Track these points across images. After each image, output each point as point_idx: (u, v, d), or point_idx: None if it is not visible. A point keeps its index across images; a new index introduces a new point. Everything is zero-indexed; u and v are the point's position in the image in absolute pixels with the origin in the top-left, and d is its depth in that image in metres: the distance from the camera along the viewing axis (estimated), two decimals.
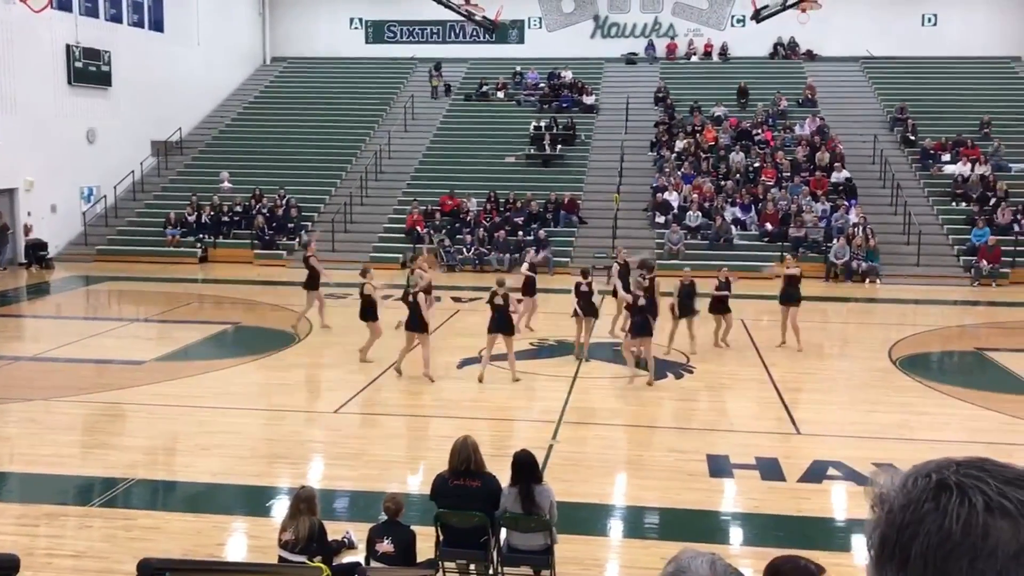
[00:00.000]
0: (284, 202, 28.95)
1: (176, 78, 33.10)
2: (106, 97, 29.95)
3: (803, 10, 28.83)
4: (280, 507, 8.67)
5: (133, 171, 31.22)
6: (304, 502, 6.97)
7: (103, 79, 29.63)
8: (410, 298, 14.34)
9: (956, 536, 1.00)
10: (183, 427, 11.72)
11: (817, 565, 4.07)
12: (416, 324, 14.09)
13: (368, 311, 15.22)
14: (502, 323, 13.94)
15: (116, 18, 30.60)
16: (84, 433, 11.81)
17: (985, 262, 24.69)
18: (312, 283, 17.83)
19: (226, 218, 28.75)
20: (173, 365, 15.12)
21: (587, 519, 8.81)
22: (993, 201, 27.31)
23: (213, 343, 17.31)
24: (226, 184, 30.47)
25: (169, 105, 32.65)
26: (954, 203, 28.05)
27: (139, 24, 31.77)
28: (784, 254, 25.86)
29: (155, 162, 32.58)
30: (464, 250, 26.73)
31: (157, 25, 32.64)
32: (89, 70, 28.99)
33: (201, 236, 28.36)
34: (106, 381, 14.05)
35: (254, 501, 9.39)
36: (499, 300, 13.91)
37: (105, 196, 30.11)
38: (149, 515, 8.91)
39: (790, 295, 16.33)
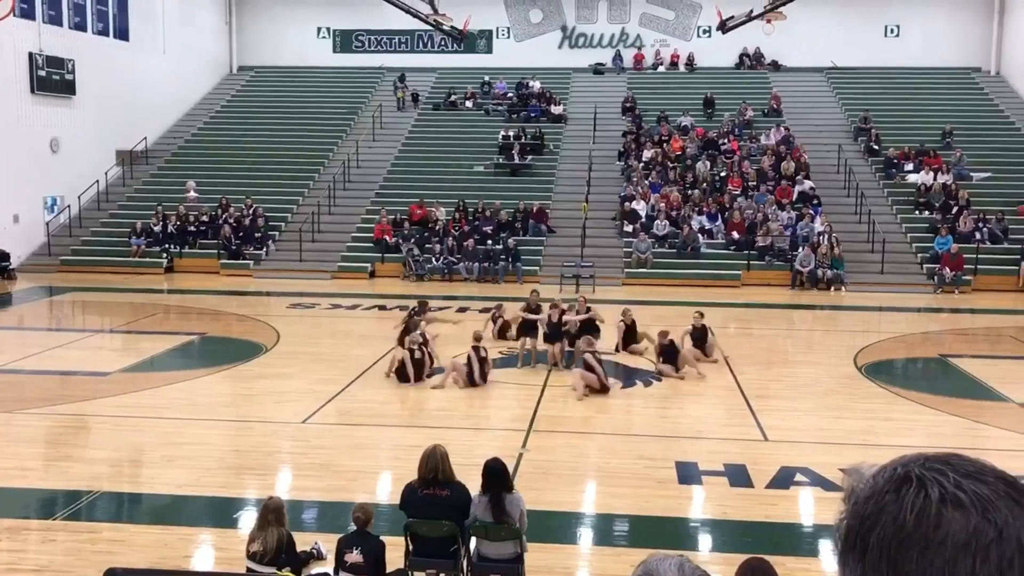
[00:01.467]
0: (251, 212, 28.77)
1: (141, 87, 32.82)
2: (70, 106, 29.64)
3: (768, 21, 29.14)
4: (248, 518, 8.59)
5: (98, 181, 30.89)
6: (272, 513, 6.92)
7: (67, 88, 29.32)
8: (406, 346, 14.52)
9: (909, 526, 1.02)
10: (149, 439, 11.58)
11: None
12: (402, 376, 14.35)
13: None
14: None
15: (80, 26, 30.31)
16: (47, 445, 11.65)
17: (948, 270, 25.03)
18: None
19: (192, 228, 28.53)
20: (138, 376, 14.95)
21: (557, 527, 8.81)
22: (955, 210, 27.70)
23: (179, 354, 17.15)
24: (192, 194, 30.24)
25: (134, 114, 32.37)
26: (917, 212, 28.44)
27: (104, 32, 31.49)
28: (750, 263, 26.21)
29: (120, 172, 32.26)
30: (433, 259, 26.70)
31: (122, 33, 32.37)
32: (52, 79, 28.68)
33: (167, 246, 28.10)
34: (70, 393, 13.87)
35: (221, 513, 9.30)
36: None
37: (69, 206, 29.77)
38: (114, 528, 8.80)
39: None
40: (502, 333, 17.29)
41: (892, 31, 37.13)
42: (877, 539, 1.04)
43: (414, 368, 14.20)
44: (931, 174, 29.32)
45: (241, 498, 9.65)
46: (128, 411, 12.68)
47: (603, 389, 13.76)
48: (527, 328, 16.03)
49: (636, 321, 16.93)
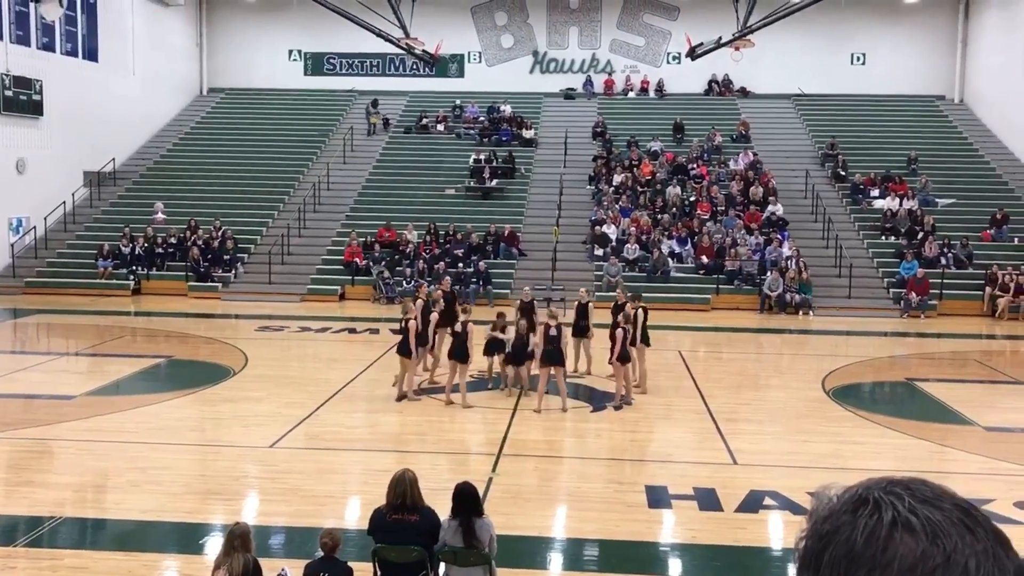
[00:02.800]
0: (220, 234, 28.58)
1: (110, 108, 32.61)
2: (37, 126, 29.37)
3: (737, 48, 29.48)
4: (214, 544, 8.49)
5: (64, 202, 30.59)
6: (239, 538, 6.83)
7: (34, 108, 29.04)
8: (401, 324, 14.67)
9: (858, 547, 1.04)
10: (114, 463, 11.43)
11: None
12: (403, 349, 14.45)
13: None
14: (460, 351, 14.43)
15: (48, 46, 30.08)
16: (9, 471, 11.45)
17: (914, 294, 25.31)
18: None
19: (160, 250, 28.29)
20: (104, 400, 14.76)
21: (527, 552, 8.78)
22: (921, 235, 28.07)
23: (145, 377, 16.95)
24: (160, 215, 30.02)
25: (103, 135, 32.13)
26: (883, 237, 28.78)
27: (72, 53, 31.26)
28: (719, 287, 26.40)
29: (87, 193, 31.98)
30: (404, 282, 26.64)
31: (91, 54, 32.16)
32: (20, 99, 28.41)
33: (134, 268, 27.82)
34: (33, 416, 13.65)
35: (187, 538, 9.18)
36: (458, 327, 14.56)
37: (35, 227, 29.43)
38: (77, 555, 8.65)
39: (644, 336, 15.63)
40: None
41: (858, 59, 37.70)
42: (829, 558, 1.06)
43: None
44: (897, 200, 29.71)
45: (207, 523, 9.53)
46: (93, 435, 12.51)
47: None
48: (494, 346, 15.91)
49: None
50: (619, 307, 16.08)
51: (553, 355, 14.05)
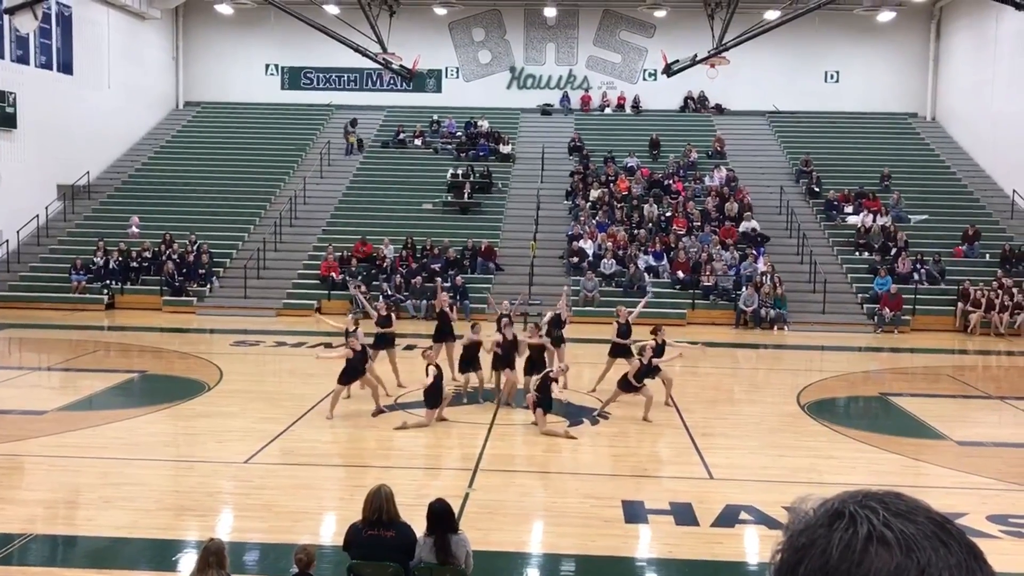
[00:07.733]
0: (195, 248, 28.40)
1: (85, 121, 32.39)
2: (10, 139, 29.13)
3: (712, 65, 29.69)
4: (188, 561, 8.41)
5: (38, 215, 30.32)
6: (213, 555, 6.77)
7: (7, 121, 28.81)
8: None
9: (834, 560, 1.05)
10: (86, 479, 11.30)
11: None
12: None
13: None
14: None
15: (23, 59, 29.86)
16: None
17: (887, 310, 25.53)
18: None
19: (134, 264, 28.07)
20: (76, 415, 14.61)
21: (503, 568, 8.76)
22: (894, 251, 28.34)
23: (119, 392, 16.80)
24: (135, 229, 29.81)
25: (77, 148, 31.91)
26: (857, 253, 29.03)
27: (47, 66, 31.05)
28: (694, 303, 26.51)
29: (61, 206, 31.71)
30: (380, 297, 26.54)
31: (66, 67, 31.95)
32: None
33: (108, 282, 27.59)
34: (3, 432, 13.47)
35: (160, 555, 9.09)
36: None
37: (7, 241, 29.14)
38: (48, 572, 8.55)
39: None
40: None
41: (832, 77, 38.10)
42: (804, 571, 1.07)
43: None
44: (870, 216, 29.99)
45: (181, 540, 9.45)
46: (65, 451, 12.37)
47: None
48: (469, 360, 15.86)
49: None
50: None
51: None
